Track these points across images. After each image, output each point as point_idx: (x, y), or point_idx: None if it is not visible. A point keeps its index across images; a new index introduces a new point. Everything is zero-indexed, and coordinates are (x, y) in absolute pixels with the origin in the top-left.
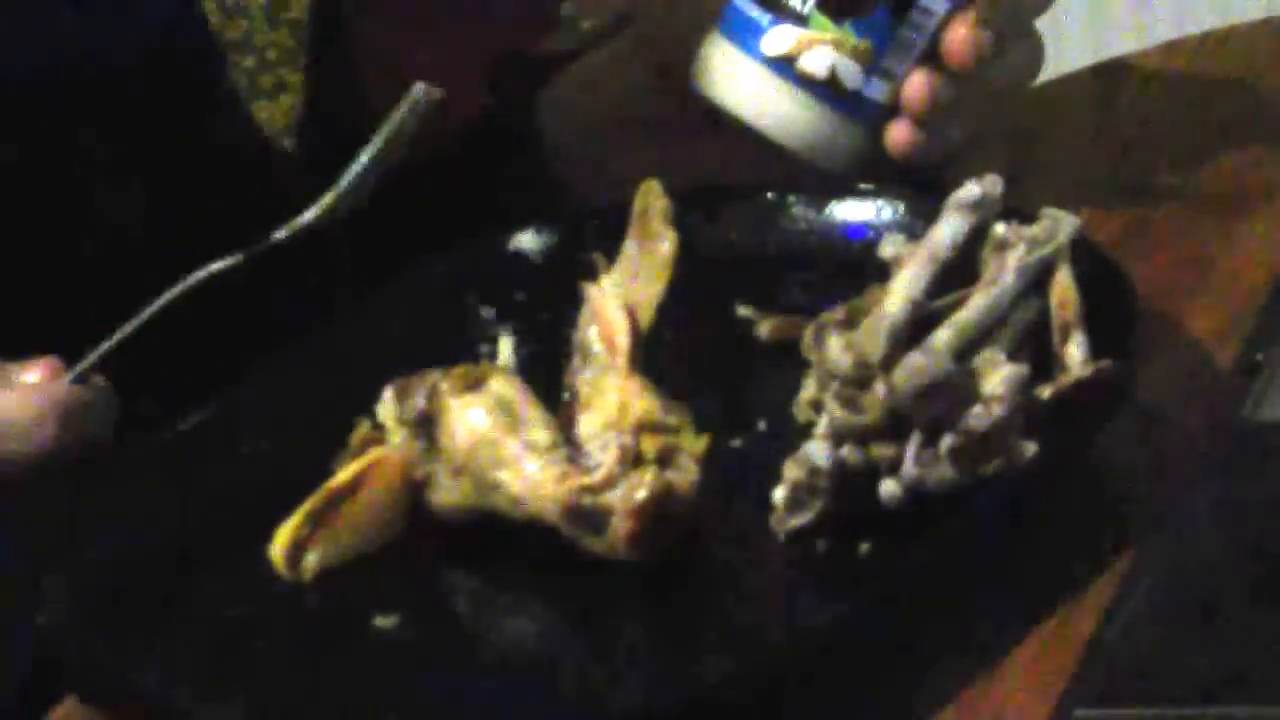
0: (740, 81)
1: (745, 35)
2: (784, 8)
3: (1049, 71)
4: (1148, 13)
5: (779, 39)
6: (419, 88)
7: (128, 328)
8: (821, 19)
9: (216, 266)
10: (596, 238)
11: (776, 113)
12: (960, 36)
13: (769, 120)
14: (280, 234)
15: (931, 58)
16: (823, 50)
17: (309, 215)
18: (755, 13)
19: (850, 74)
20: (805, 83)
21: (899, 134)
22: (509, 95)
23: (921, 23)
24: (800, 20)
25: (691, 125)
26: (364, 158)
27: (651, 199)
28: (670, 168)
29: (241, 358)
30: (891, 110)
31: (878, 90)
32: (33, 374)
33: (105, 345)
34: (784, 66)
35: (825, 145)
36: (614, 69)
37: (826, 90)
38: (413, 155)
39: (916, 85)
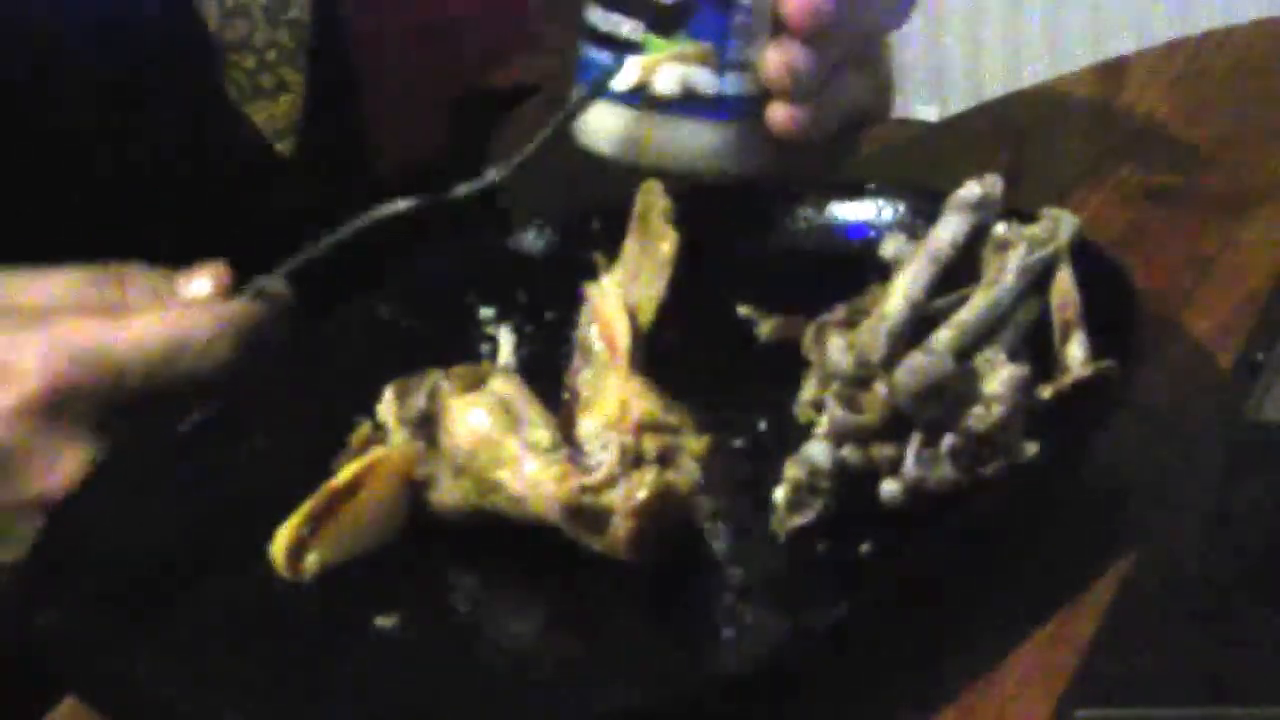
0: (611, 128)
1: (597, 80)
2: (619, 41)
3: (1049, 71)
4: (1148, 13)
5: (625, 73)
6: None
7: (321, 244)
8: (654, 39)
9: (400, 206)
10: (596, 238)
11: (655, 144)
12: (793, 3)
13: (650, 154)
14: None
15: (781, 28)
16: (668, 68)
17: (499, 172)
18: (598, 56)
19: (703, 80)
20: (666, 105)
21: (775, 115)
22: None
23: (754, 4)
24: (636, 48)
25: None
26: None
27: (651, 199)
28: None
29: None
30: (765, 96)
31: (738, 84)
32: (200, 285)
33: (294, 260)
34: (640, 97)
35: (714, 156)
36: None
37: (689, 104)
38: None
39: (771, 63)
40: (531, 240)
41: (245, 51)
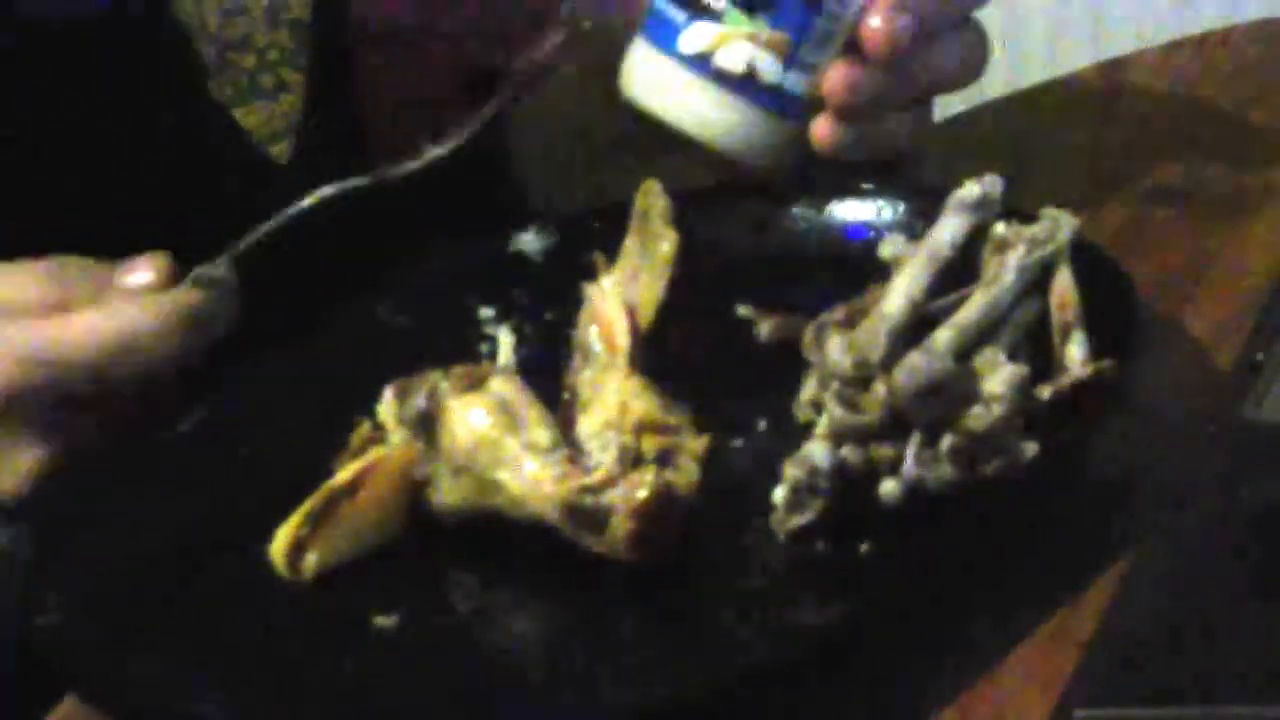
0: (661, 82)
1: (664, 35)
2: (700, 5)
3: (1049, 71)
4: (1148, 13)
5: (695, 36)
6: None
7: (263, 228)
8: (736, 14)
9: (348, 184)
10: (596, 238)
11: (697, 111)
12: (874, 25)
13: (690, 119)
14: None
15: (854, 49)
16: (739, 45)
17: (439, 150)
18: (672, 12)
19: (768, 67)
20: (724, 79)
21: (820, 127)
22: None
23: (838, 13)
24: (715, 16)
25: (643, 143)
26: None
27: (651, 199)
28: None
29: (241, 358)
30: (817, 104)
31: (798, 83)
32: (141, 275)
33: (238, 246)
34: (702, 63)
35: (749, 141)
36: (569, 88)
37: (746, 85)
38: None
39: (835, 76)
40: (531, 240)
41: (245, 51)
